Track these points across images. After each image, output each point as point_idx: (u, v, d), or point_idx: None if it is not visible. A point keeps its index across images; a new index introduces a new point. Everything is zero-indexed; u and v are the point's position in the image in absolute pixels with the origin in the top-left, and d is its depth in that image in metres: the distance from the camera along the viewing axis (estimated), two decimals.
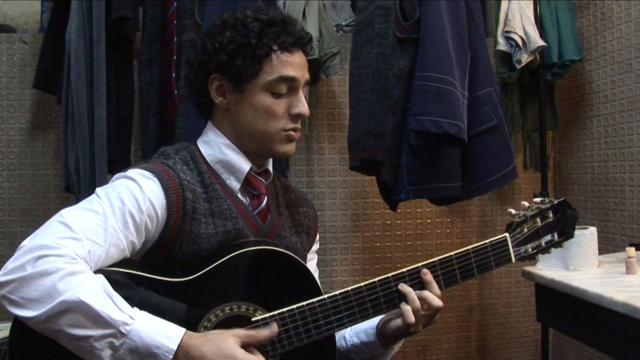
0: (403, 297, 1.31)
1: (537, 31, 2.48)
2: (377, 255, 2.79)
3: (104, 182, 1.29)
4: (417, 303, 1.31)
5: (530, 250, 1.42)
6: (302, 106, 1.38)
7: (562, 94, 2.88)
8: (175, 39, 2.22)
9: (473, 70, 2.07)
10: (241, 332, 1.20)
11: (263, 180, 1.44)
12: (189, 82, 1.43)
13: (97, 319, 1.07)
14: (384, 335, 1.42)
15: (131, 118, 2.38)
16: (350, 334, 1.48)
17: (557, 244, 1.46)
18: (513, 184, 2.88)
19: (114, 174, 1.33)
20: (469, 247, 1.37)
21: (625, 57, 2.44)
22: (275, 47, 1.35)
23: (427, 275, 1.32)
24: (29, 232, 1.14)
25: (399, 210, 2.74)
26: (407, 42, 2.04)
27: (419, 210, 2.83)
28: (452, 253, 1.36)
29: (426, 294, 1.31)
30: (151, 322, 1.12)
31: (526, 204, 1.45)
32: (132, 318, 1.09)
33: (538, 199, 1.47)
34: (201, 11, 2.11)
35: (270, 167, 1.48)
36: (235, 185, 1.40)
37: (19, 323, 1.18)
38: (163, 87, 2.27)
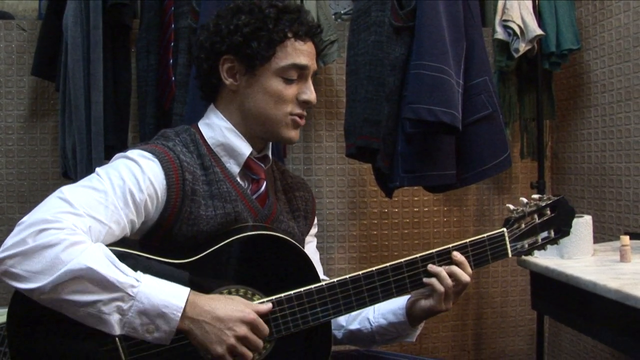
0: (434, 277, 1.35)
1: (535, 20, 2.47)
2: (374, 243, 2.80)
3: None
4: (449, 280, 1.34)
5: (526, 246, 1.45)
6: (311, 93, 1.42)
7: (560, 83, 2.88)
8: (173, 26, 2.22)
9: (468, 59, 2.08)
10: (241, 299, 1.24)
11: (262, 165, 1.46)
12: (199, 62, 1.45)
13: (104, 284, 1.08)
14: (413, 315, 1.45)
15: (128, 104, 2.38)
16: (375, 316, 1.51)
17: (553, 241, 1.48)
18: (510, 172, 2.89)
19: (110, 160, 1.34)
20: (467, 240, 1.39)
21: (623, 47, 2.43)
22: (289, 35, 1.39)
23: (458, 257, 1.36)
24: None
25: (396, 199, 2.75)
26: (403, 30, 2.04)
27: (416, 198, 2.84)
28: (450, 245, 1.38)
29: (455, 269, 1.35)
30: (157, 283, 1.13)
31: (524, 199, 1.47)
32: (138, 281, 1.11)
33: (536, 196, 1.49)
34: None
35: (270, 153, 1.50)
36: (235, 169, 1.41)
37: (16, 308, 1.19)
38: (160, 73, 2.27)
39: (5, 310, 1.21)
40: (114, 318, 1.09)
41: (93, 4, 2.12)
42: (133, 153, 1.30)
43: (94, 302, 1.08)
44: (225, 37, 1.39)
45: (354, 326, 1.54)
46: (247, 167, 1.43)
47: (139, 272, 1.14)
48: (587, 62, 2.68)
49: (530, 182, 2.74)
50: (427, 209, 2.86)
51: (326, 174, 2.76)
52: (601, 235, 2.56)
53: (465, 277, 1.35)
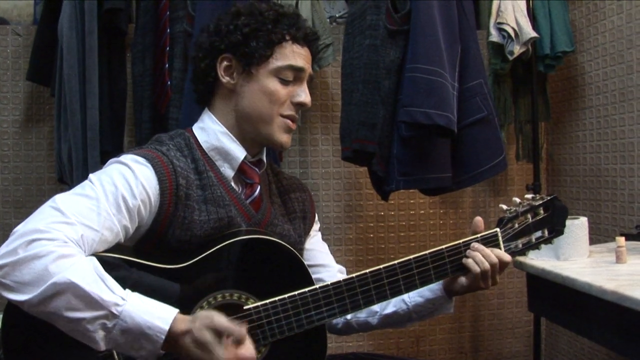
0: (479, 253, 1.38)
1: (529, 23, 2.48)
2: (371, 246, 2.80)
3: None
4: (494, 258, 1.37)
5: (520, 245, 1.45)
6: (306, 96, 1.43)
7: (555, 86, 2.89)
8: (168, 30, 2.22)
9: (463, 62, 2.09)
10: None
11: (257, 170, 1.46)
12: (197, 61, 1.46)
13: (89, 301, 1.07)
14: (451, 290, 1.47)
15: (124, 109, 2.38)
16: (411, 296, 1.51)
17: (547, 240, 1.48)
18: (506, 175, 2.90)
19: None
20: (460, 240, 1.39)
21: (617, 49, 2.44)
22: (287, 37, 1.41)
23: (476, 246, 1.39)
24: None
25: (392, 202, 2.76)
26: (397, 34, 2.05)
27: (412, 201, 2.84)
28: (444, 247, 1.39)
29: (496, 251, 1.39)
30: (143, 303, 1.12)
31: (517, 199, 1.47)
32: (123, 299, 1.09)
33: (529, 195, 1.49)
34: (193, 3, 2.12)
35: (264, 157, 1.50)
36: (229, 173, 1.42)
37: (9, 314, 1.19)
38: (156, 78, 2.27)
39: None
40: (99, 335, 1.09)
41: (88, 9, 2.12)
42: (126, 158, 1.30)
43: (80, 320, 1.07)
44: (224, 37, 1.41)
45: (389, 310, 1.54)
46: (241, 172, 1.43)
47: (127, 289, 1.12)
48: (582, 64, 2.69)
49: (526, 184, 2.74)
50: (423, 212, 2.87)
51: (322, 178, 2.76)
52: (597, 236, 2.57)
53: (506, 257, 1.40)
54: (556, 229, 1.48)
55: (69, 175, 2.17)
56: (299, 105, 1.43)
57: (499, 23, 2.47)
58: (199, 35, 1.50)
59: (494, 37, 2.50)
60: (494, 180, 2.89)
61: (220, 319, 1.12)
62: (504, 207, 1.46)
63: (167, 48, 2.23)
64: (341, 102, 2.20)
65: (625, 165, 2.42)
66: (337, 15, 2.88)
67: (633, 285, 1.48)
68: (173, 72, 2.18)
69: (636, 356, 1.46)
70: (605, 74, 2.53)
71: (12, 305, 1.17)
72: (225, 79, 1.41)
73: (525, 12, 2.51)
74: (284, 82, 1.40)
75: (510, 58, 2.49)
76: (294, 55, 1.41)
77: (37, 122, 2.57)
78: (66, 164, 2.18)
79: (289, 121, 1.43)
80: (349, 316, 1.56)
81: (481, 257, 1.37)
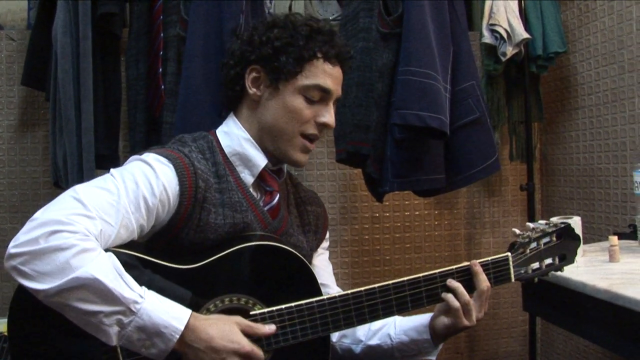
0: (451, 292, 1.33)
1: (521, 24, 2.50)
2: (366, 248, 2.81)
3: (92, 177, 1.29)
4: (467, 296, 1.33)
5: (530, 271, 1.43)
6: (330, 117, 1.42)
7: (547, 86, 2.90)
8: (162, 35, 2.22)
9: (456, 64, 2.09)
10: (242, 320, 1.22)
11: (277, 178, 1.46)
12: (227, 68, 1.46)
13: (108, 296, 1.08)
14: (436, 333, 1.42)
15: (118, 113, 2.37)
16: (397, 332, 1.48)
17: (558, 268, 1.47)
18: (500, 175, 2.91)
19: (102, 169, 1.34)
20: (469, 262, 1.37)
21: (608, 49, 2.46)
22: (319, 55, 1.39)
23: (477, 267, 1.34)
24: (18, 228, 1.13)
25: (387, 203, 2.76)
26: (390, 36, 2.06)
27: (407, 202, 2.85)
28: (454, 267, 1.36)
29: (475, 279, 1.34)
30: (160, 302, 1.13)
31: (531, 225, 1.46)
32: (142, 297, 1.11)
33: (543, 221, 1.48)
34: (187, 7, 2.11)
35: (285, 166, 1.50)
36: (249, 179, 1.41)
37: (15, 316, 1.20)
38: (150, 82, 2.27)
39: (4, 320, 1.21)
40: (113, 330, 1.10)
41: (82, 14, 2.12)
42: (148, 157, 1.31)
43: (96, 313, 1.08)
44: (255, 47, 1.40)
45: (373, 342, 1.51)
46: (261, 179, 1.43)
47: (143, 287, 1.14)
48: (574, 64, 2.71)
49: (520, 184, 2.76)
50: (417, 213, 2.87)
51: (317, 180, 2.77)
52: (590, 235, 2.58)
53: (484, 284, 1.34)
54: (567, 257, 1.47)
55: (64, 179, 2.17)
56: (322, 126, 1.42)
57: (492, 24, 2.49)
58: (232, 41, 1.50)
59: (487, 38, 2.51)
60: (488, 180, 2.90)
61: (245, 343, 1.18)
62: (517, 231, 1.44)
63: (161, 52, 2.22)
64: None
65: (618, 165, 2.43)
66: (330, 18, 2.88)
67: (626, 283, 1.49)
68: (167, 76, 2.18)
69: (630, 354, 1.48)
70: (597, 75, 2.55)
71: (16, 307, 1.18)
72: (252, 90, 1.41)
73: (518, 13, 2.52)
74: (309, 101, 1.39)
75: (503, 59, 2.51)
76: (324, 75, 1.39)
77: (32, 127, 2.57)
78: (61, 168, 2.18)
79: (307, 142, 1.42)
80: (334, 339, 1.54)
81: (453, 297, 1.34)
